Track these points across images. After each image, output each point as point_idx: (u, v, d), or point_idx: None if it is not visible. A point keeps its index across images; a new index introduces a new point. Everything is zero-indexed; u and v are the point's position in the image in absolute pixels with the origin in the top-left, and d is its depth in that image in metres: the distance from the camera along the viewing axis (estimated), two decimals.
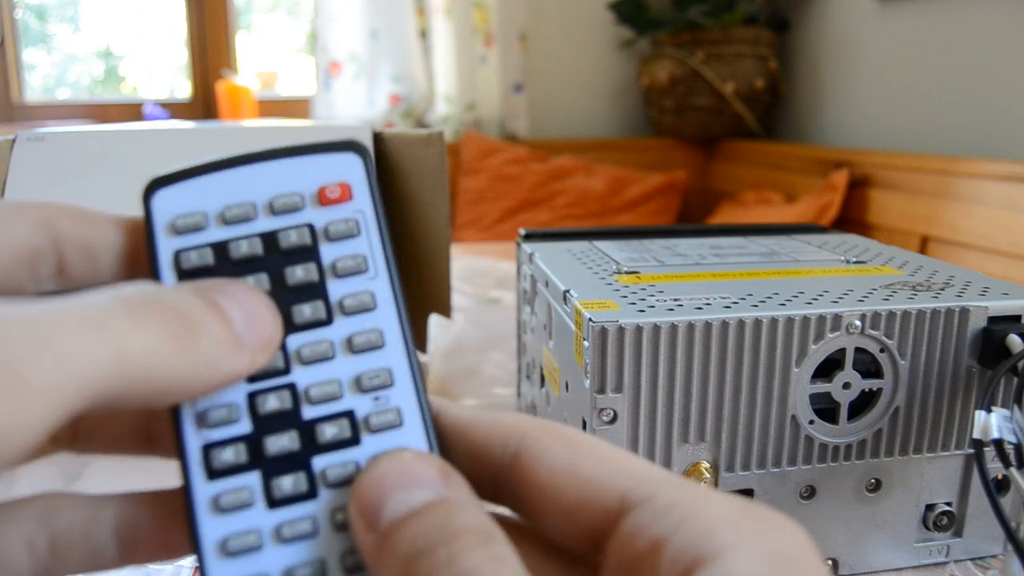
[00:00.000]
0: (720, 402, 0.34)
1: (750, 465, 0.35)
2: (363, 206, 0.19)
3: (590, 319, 0.33)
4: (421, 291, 0.64)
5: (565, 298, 0.38)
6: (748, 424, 0.35)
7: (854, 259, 0.45)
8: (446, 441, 0.18)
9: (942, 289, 0.38)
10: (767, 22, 1.94)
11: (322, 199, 0.19)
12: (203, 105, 2.06)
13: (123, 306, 0.15)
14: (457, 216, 1.92)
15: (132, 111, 1.99)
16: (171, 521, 0.18)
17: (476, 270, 1.02)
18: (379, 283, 0.19)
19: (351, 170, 0.19)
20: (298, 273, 0.18)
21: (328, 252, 0.19)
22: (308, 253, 0.18)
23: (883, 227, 1.41)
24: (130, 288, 0.15)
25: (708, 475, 0.35)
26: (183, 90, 2.10)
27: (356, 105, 1.96)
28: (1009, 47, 1.33)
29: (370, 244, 0.19)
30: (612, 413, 0.34)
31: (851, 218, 1.47)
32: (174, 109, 2.04)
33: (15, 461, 0.13)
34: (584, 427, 0.35)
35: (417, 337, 0.66)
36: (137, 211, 0.19)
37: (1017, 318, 0.36)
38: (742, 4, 1.90)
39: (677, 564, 0.14)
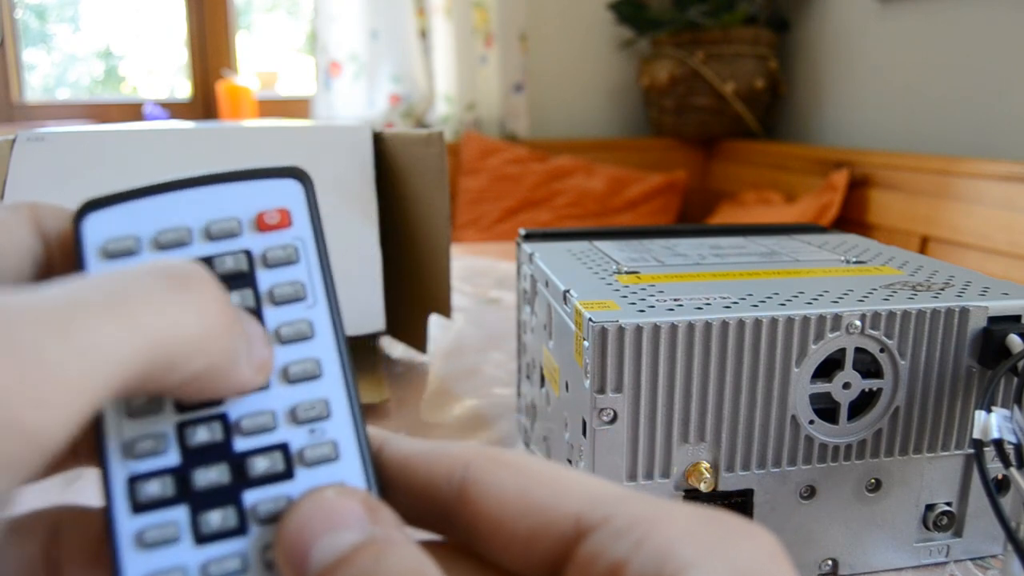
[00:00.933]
0: (720, 402, 0.34)
1: (750, 465, 0.35)
2: (303, 233, 0.19)
3: (590, 319, 0.33)
4: (421, 291, 0.64)
5: (565, 298, 0.38)
6: (748, 424, 0.35)
7: (854, 259, 0.45)
8: (389, 476, 0.18)
9: (942, 289, 0.38)
10: (767, 22, 1.94)
11: (260, 225, 0.18)
12: (203, 105, 2.06)
13: (160, 280, 0.14)
14: (457, 216, 1.92)
15: (132, 111, 1.99)
16: None
17: (476, 270, 1.02)
18: (317, 311, 0.18)
19: (291, 197, 0.19)
20: (234, 299, 0.18)
21: (265, 279, 0.18)
22: (244, 279, 0.18)
23: (883, 227, 1.41)
24: (167, 261, 0.15)
25: (708, 475, 0.35)
26: (183, 90, 2.10)
27: (356, 105, 1.96)
28: (1009, 47, 1.33)
29: (309, 272, 0.18)
30: (612, 413, 0.34)
31: (851, 218, 1.47)
32: (174, 109, 2.04)
33: (41, 463, 0.12)
34: (584, 427, 0.35)
35: (417, 337, 0.66)
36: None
37: (1017, 318, 0.36)
38: (742, 4, 1.90)
39: None
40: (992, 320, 0.36)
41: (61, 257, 0.18)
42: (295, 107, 2.09)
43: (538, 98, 2.11)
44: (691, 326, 0.33)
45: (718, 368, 0.34)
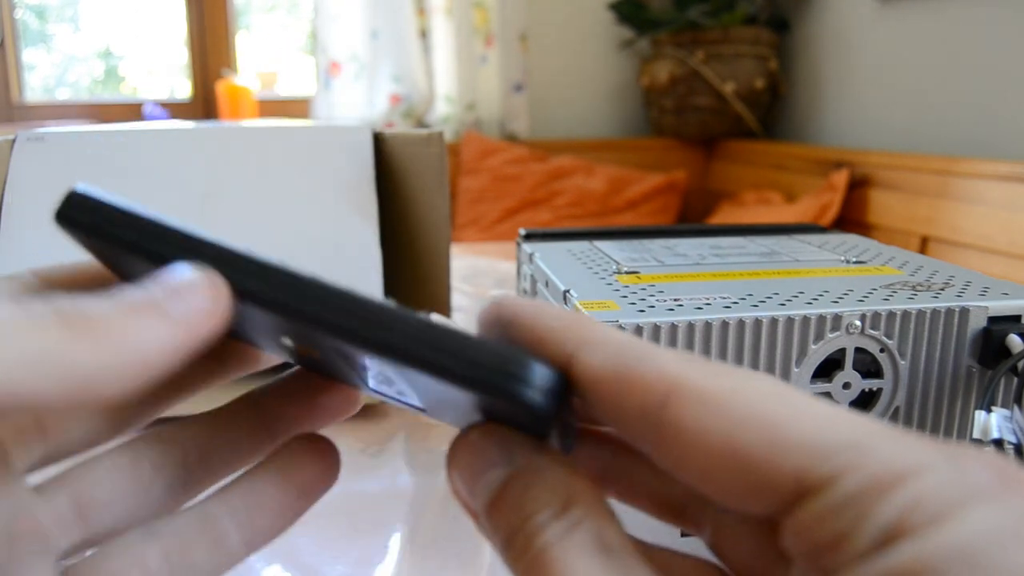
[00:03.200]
0: None
1: None
2: None
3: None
4: (421, 291, 0.64)
5: (565, 298, 0.38)
6: None
7: (854, 259, 0.45)
8: (582, 397, 0.16)
9: (942, 289, 0.38)
10: (767, 22, 1.94)
11: None
12: (203, 105, 2.06)
13: (22, 313, 0.14)
14: (457, 216, 1.92)
15: (132, 111, 1.99)
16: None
17: (476, 270, 1.02)
18: None
19: None
20: None
21: None
22: None
23: (883, 227, 1.41)
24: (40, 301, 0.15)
25: None
26: (183, 90, 2.10)
27: (356, 105, 1.96)
28: (1009, 47, 1.33)
29: None
30: None
31: (851, 218, 1.47)
32: (174, 109, 2.04)
33: None
34: None
35: None
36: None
37: (1017, 318, 0.36)
38: (742, 4, 1.90)
39: (870, 542, 0.12)
40: (992, 320, 0.36)
41: None
42: (295, 107, 2.09)
43: (538, 98, 2.11)
44: (691, 326, 0.33)
45: None
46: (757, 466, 0.13)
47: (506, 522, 0.15)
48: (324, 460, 0.21)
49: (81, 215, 0.17)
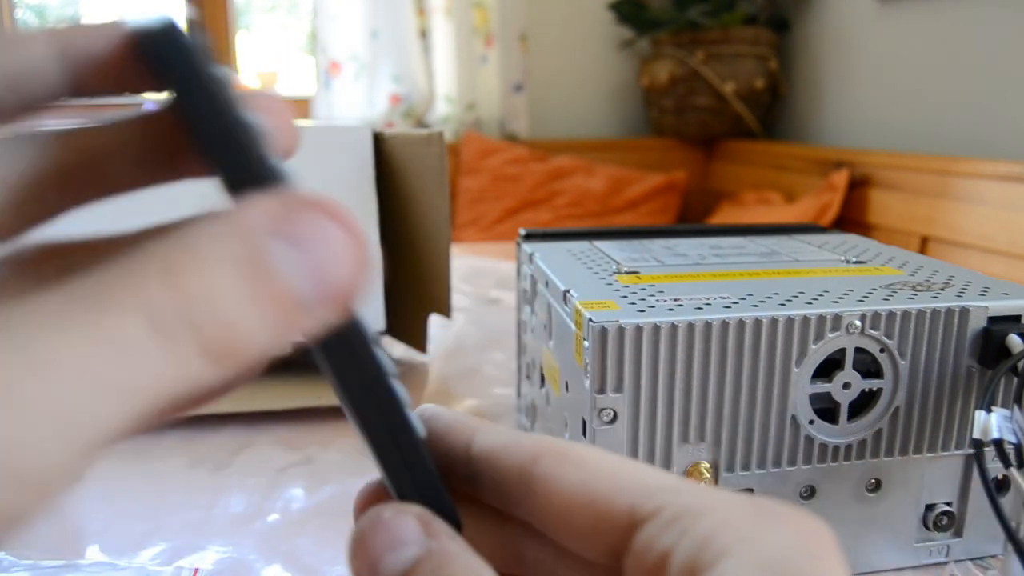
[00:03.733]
0: (720, 402, 0.34)
1: (750, 465, 0.35)
2: None
3: (590, 319, 0.33)
4: (421, 291, 0.64)
5: (565, 298, 0.38)
6: (748, 424, 0.35)
7: (854, 259, 0.45)
8: (477, 468, 0.19)
9: (942, 289, 0.38)
10: (767, 22, 1.94)
11: None
12: None
13: (144, 325, 0.12)
14: (457, 216, 1.92)
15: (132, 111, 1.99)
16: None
17: (476, 270, 1.02)
18: None
19: None
20: None
21: None
22: None
23: (883, 227, 1.41)
24: (153, 292, 0.12)
25: (708, 475, 0.35)
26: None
27: (356, 105, 1.96)
28: (1009, 47, 1.33)
29: None
30: (612, 413, 0.34)
31: (851, 218, 1.47)
32: None
33: (44, 508, 0.11)
34: (584, 427, 0.35)
35: (417, 337, 0.66)
36: (137, 221, 0.18)
37: (1017, 318, 0.36)
38: (742, 4, 1.90)
39: (679, 574, 0.15)
40: (992, 320, 0.36)
41: (101, 80, 0.16)
42: (295, 107, 2.09)
43: (538, 98, 2.11)
44: (691, 326, 0.33)
45: (718, 368, 0.34)
46: (602, 502, 0.16)
47: None
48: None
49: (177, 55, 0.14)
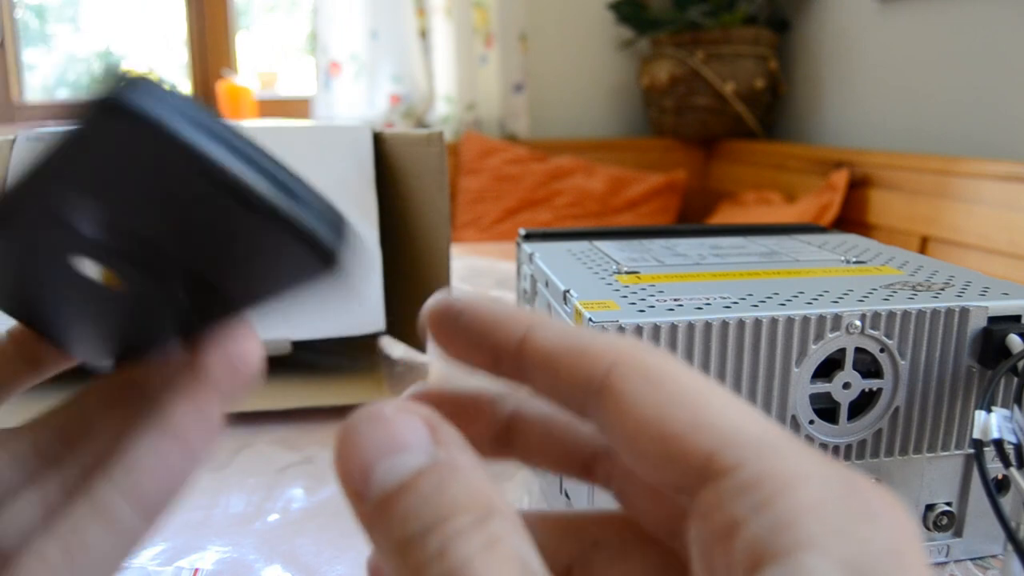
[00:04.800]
0: None
1: None
2: None
3: (590, 319, 0.33)
4: (421, 291, 0.64)
5: (565, 298, 0.38)
6: None
7: (854, 259, 0.45)
8: (530, 368, 0.16)
9: (942, 289, 0.38)
10: (767, 22, 1.94)
11: None
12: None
13: None
14: (457, 216, 1.92)
15: None
16: None
17: (476, 270, 1.02)
18: None
19: None
20: None
21: None
22: None
23: (883, 227, 1.41)
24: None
25: None
26: (183, 90, 2.10)
27: (356, 105, 1.96)
28: (1009, 47, 1.33)
29: None
30: None
31: (851, 218, 1.47)
32: None
33: None
34: None
35: (417, 337, 0.66)
36: None
37: (1017, 318, 0.36)
38: (742, 4, 1.90)
39: (748, 555, 0.13)
40: (992, 320, 0.36)
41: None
42: (295, 107, 2.09)
43: (538, 98, 2.11)
44: (691, 326, 0.33)
45: (718, 368, 0.34)
46: (677, 438, 0.14)
47: (413, 518, 0.14)
48: (202, 411, 0.18)
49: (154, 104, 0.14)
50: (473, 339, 0.17)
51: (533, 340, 0.16)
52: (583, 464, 0.19)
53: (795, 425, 0.35)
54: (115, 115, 0.13)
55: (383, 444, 0.14)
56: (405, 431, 0.15)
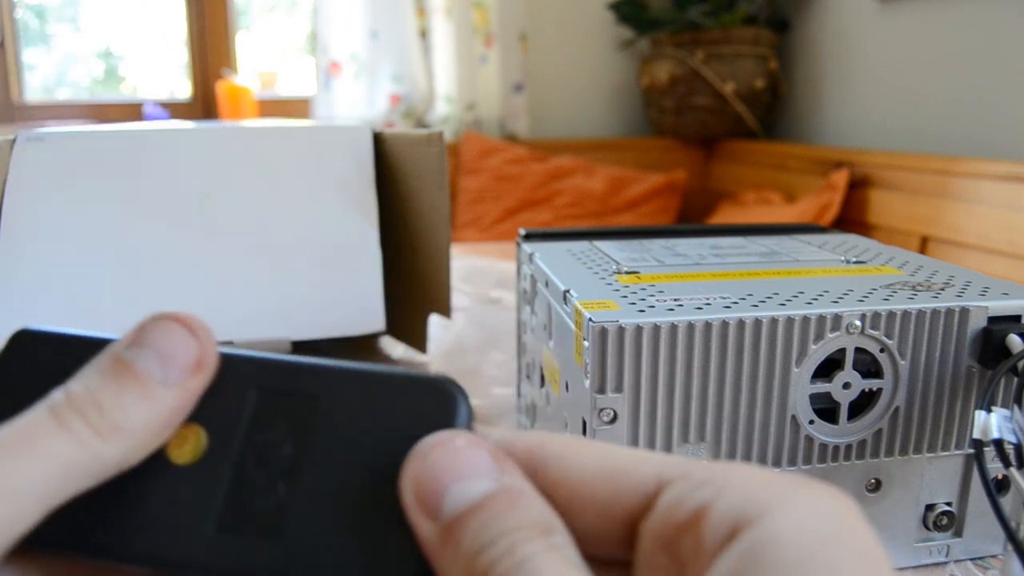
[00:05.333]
0: (720, 402, 0.34)
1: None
2: None
3: (590, 319, 0.33)
4: (421, 291, 0.64)
5: (565, 298, 0.38)
6: (748, 424, 0.35)
7: (854, 259, 0.45)
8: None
9: (942, 289, 0.38)
10: (767, 22, 1.94)
11: None
12: (203, 105, 2.06)
13: (49, 416, 0.16)
14: (457, 216, 1.92)
15: (132, 111, 1.99)
16: None
17: (476, 270, 1.02)
18: None
19: None
20: None
21: None
22: None
23: (883, 227, 1.41)
24: (55, 395, 0.16)
25: None
26: (183, 90, 2.10)
27: (356, 105, 1.96)
28: (1009, 47, 1.33)
29: None
30: (612, 413, 0.34)
31: (851, 218, 1.47)
32: (174, 109, 2.04)
33: None
34: (584, 427, 0.35)
35: (417, 337, 0.66)
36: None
37: (1017, 318, 0.36)
38: (742, 4, 1.90)
39: (721, 527, 0.14)
40: (992, 320, 0.36)
41: None
42: (295, 107, 2.09)
43: (538, 98, 2.11)
44: (691, 326, 0.33)
45: (718, 368, 0.34)
46: (625, 472, 0.16)
47: (484, 532, 0.15)
48: None
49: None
50: None
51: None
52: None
53: (795, 425, 0.35)
54: None
55: (455, 469, 0.16)
56: (475, 458, 0.16)
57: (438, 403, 0.17)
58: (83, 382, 0.17)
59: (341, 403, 0.17)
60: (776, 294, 0.37)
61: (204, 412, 0.18)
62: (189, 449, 0.17)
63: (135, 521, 0.17)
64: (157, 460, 0.17)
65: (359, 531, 0.16)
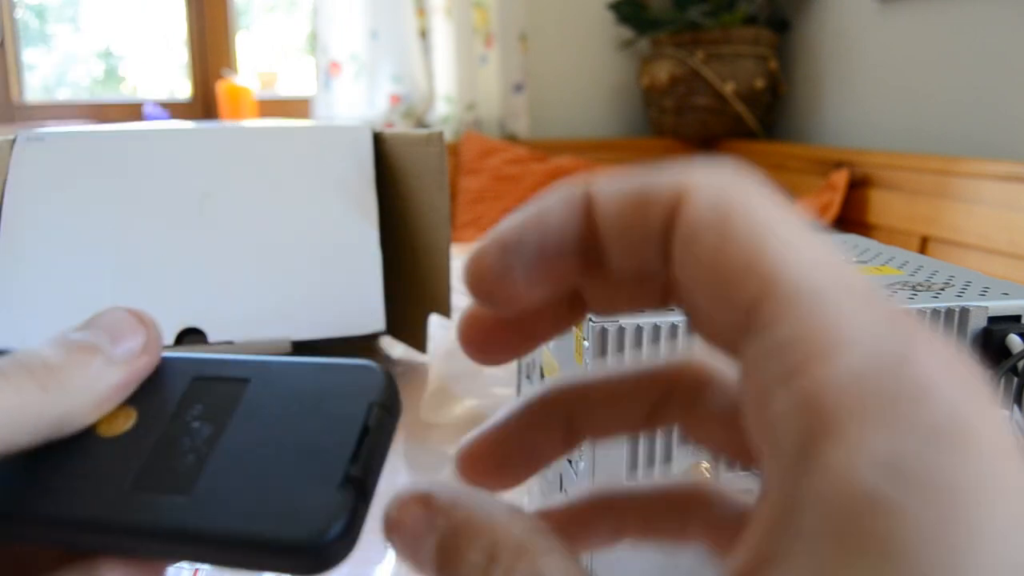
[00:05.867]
0: None
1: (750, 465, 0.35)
2: None
3: (590, 319, 0.33)
4: (421, 291, 0.64)
5: None
6: None
7: (854, 259, 0.45)
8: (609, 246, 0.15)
9: (942, 289, 0.38)
10: (767, 22, 1.94)
11: None
12: (203, 105, 2.06)
13: None
14: (457, 216, 1.92)
15: (132, 111, 1.99)
16: None
17: None
18: None
19: None
20: None
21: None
22: None
23: (883, 227, 1.41)
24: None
25: (708, 474, 0.35)
26: (183, 90, 2.10)
27: (356, 105, 1.96)
28: (1009, 47, 1.33)
29: None
30: None
31: (851, 218, 1.47)
32: (174, 109, 2.04)
33: None
34: None
35: (417, 337, 0.66)
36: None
37: (1017, 318, 0.36)
38: (742, 4, 1.90)
39: (781, 431, 0.11)
40: (992, 320, 0.36)
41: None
42: (295, 107, 2.09)
43: (538, 98, 2.11)
44: None
45: None
46: (733, 280, 0.13)
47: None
48: None
49: None
50: (540, 260, 0.16)
51: (596, 209, 0.15)
52: (647, 418, 0.19)
53: None
54: None
55: (407, 545, 0.16)
56: (412, 523, 0.16)
57: (360, 379, 0.18)
58: (31, 348, 0.17)
59: (267, 384, 0.18)
60: None
61: (139, 397, 0.18)
62: (119, 426, 0.18)
63: (50, 487, 0.17)
64: (85, 434, 0.18)
65: (271, 487, 0.16)
